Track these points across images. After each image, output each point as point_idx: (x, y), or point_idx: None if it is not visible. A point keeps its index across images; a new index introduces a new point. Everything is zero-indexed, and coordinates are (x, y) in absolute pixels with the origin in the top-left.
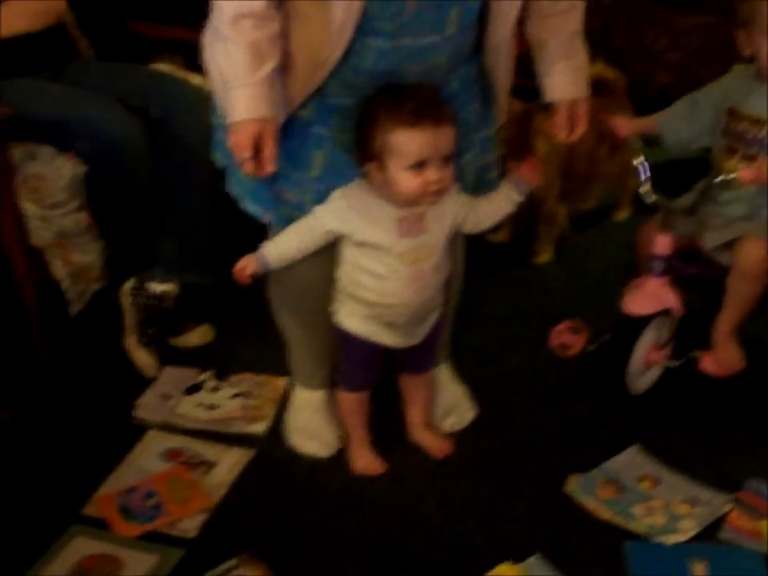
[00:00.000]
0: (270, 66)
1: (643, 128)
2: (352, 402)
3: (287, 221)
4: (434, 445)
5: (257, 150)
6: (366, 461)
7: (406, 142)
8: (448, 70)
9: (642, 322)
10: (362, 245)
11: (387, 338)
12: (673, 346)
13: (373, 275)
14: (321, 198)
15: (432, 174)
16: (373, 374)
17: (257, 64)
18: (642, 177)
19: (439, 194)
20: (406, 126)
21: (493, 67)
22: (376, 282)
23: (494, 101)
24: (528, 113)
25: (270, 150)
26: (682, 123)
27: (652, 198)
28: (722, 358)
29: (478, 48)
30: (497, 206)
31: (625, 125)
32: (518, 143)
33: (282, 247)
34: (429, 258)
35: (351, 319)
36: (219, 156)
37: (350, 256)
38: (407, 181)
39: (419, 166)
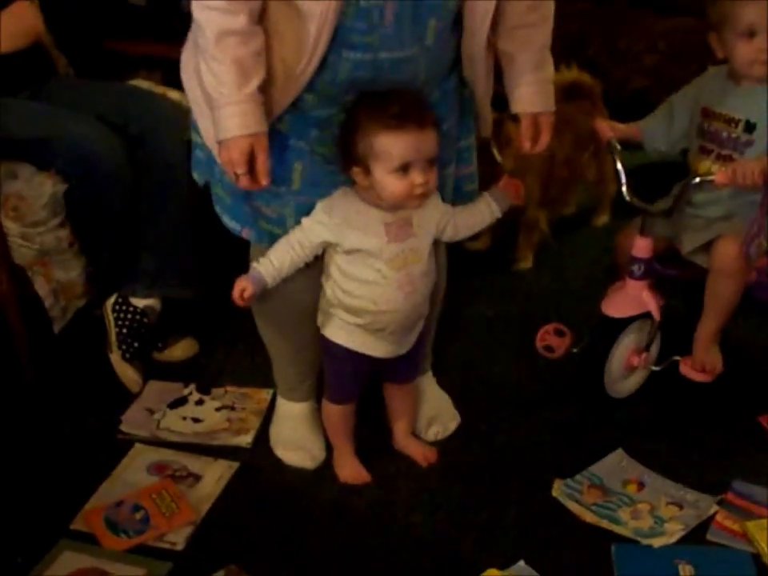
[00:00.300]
0: (256, 81)
1: (626, 134)
2: (338, 414)
3: (267, 237)
4: (420, 453)
5: (250, 165)
6: (351, 470)
7: (391, 145)
8: (426, 81)
9: (621, 325)
10: (350, 252)
11: (376, 349)
12: (657, 349)
13: (362, 282)
14: (301, 211)
15: (417, 176)
16: (359, 387)
17: (243, 80)
18: (623, 179)
19: (424, 196)
20: (390, 129)
21: (471, 78)
22: (366, 289)
23: (473, 111)
24: (498, 122)
25: (263, 164)
26: (662, 128)
27: (632, 199)
28: (701, 362)
29: (457, 59)
30: (476, 219)
31: (607, 128)
32: (489, 152)
33: (276, 264)
34: (417, 262)
35: (340, 332)
36: (198, 174)
37: (337, 266)
38: (392, 184)
39: (404, 169)
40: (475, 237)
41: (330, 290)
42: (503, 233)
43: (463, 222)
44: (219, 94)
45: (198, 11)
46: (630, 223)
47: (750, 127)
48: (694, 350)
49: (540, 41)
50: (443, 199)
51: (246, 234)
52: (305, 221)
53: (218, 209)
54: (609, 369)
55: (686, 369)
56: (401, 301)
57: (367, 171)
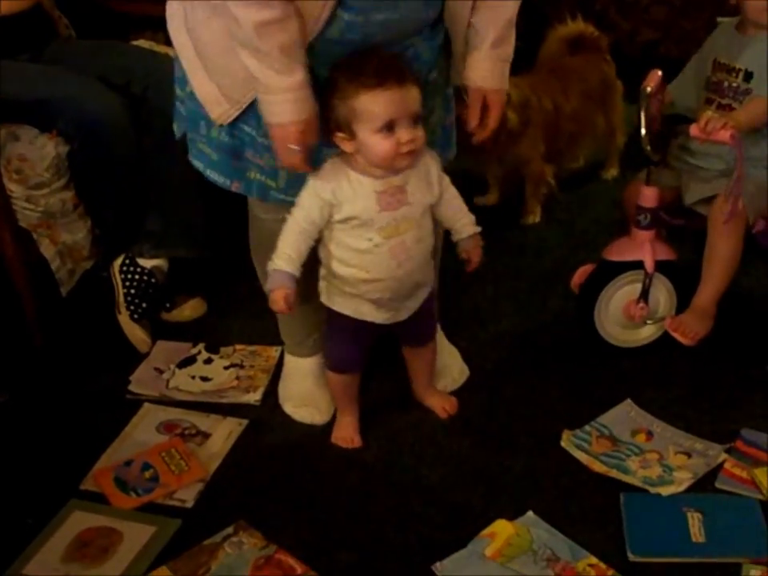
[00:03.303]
0: (302, 67)
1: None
2: (339, 382)
3: (257, 188)
4: (439, 405)
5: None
6: (344, 434)
7: (372, 104)
8: (414, 35)
9: (616, 270)
10: (342, 222)
11: (374, 315)
12: (672, 304)
13: (355, 251)
14: None
15: (403, 134)
16: (360, 355)
17: (293, 65)
18: (644, 127)
19: (412, 155)
20: (369, 88)
21: (451, 31)
22: (359, 258)
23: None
24: None
25: (310, 150)
26: (691, 86)
27: (646, 148)
28: (679, 323)
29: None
30: (456, 209)
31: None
32: None
33: (294, 254)
34: (409, 230)
35: (339, 299)
36: (176, 127)
37: (331, 235)
38: (378, 144)
39: (389, 128)
40: (484, 191)
41: (325, 258)
42: (511, 188)
43: (447, 205)
44: (271, 78)
45: (234, 8)
46: (638, 175)
47: (748, 76)
48: (686, 312)
49: (505, 17)
50: (431, 145)
51: (236, 187)
52: (302, 199)
53: (199, 164)
54: (607, 316)
55: (670, 327)
56: (394, 269)
57: (352, 135)
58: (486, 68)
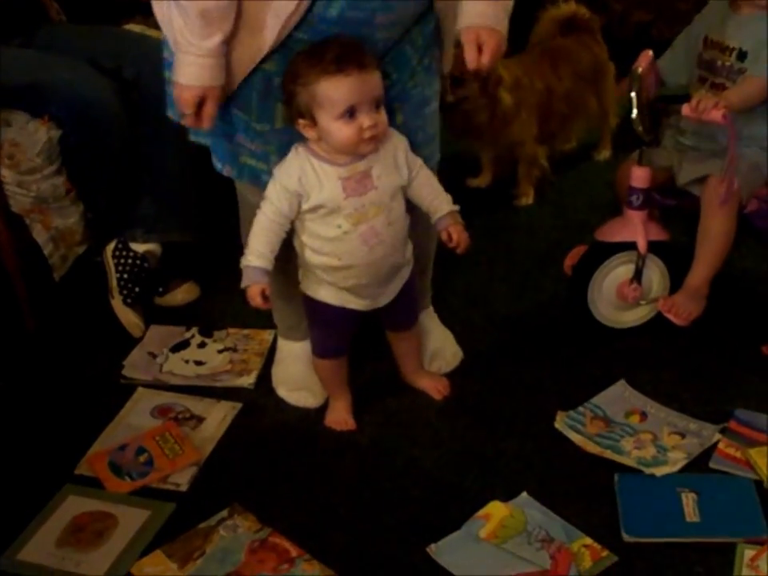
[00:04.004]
0: (219, 37)
1: None
2: (326, 368)
3: (248, 173)
4: (432, 386)
5: (199, 108)
6: (337, 417)
7: (332, 90)
8: (414, 16)
9: (608, 251)
10: (312, 210)
11: (353, 302)
12: (665, 285)
13: (325, 240)
14: (283, 149)
15: (365, 119)
16: (344, 340)
17: (206, 32)
18: (634, 107)
19: (375, 139)
20: (329, 74)
21: (442, 14)
22: (330, 246)
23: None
24: None
25: (207, 112)
26: (680, 62)
27: (637, 127)
28: (672, 303)
29: None
30: (432, 189)
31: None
32: (483, 96)
33: (265, 249)
34: (378, 214)
35: (317, 287)
36: (172, 112)
37: (302, 224)
38: (340, 130)
39: (350, 113)
40: (476, 173)
41: (299, 249)
42: (504, 169)
43: (419, 185)
44: (182, 39)
45: None
46: (630, 155)
47: (742, 55)
48: (678, 292)
49: None
50: (406, 121)
51: (228, 171)
52: (269, 192)
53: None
54: (601, 297)
55: (663, 307)
56: (366, 255)
57: (314, 122)
58: (480, 7)
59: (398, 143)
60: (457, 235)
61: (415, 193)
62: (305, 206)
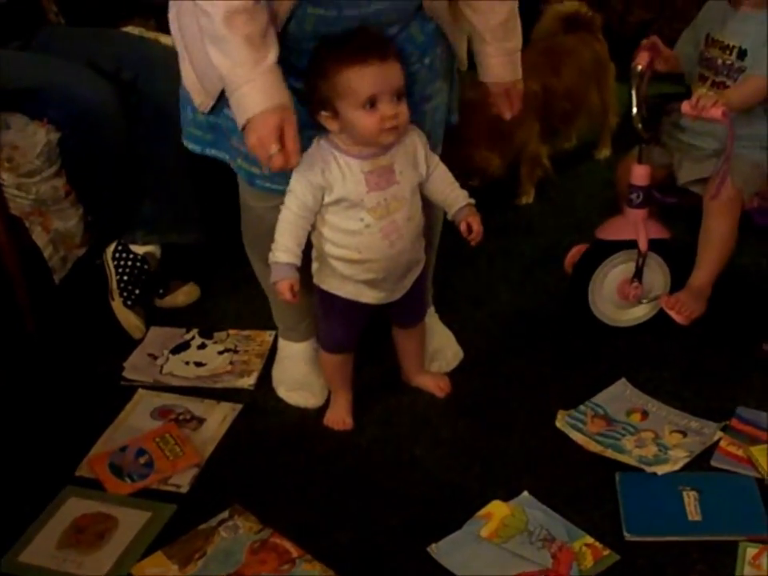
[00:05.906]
0: (272, 55)
1: (670, 60)
2: (333, 363)
3: (245, 175)
4: (434, 384)
5: (281, 143)
6: (336, 415)
7: (354, 80)
8: (393, 25)
9: (608, 249)
10: (333, 204)
11: (368, 296)
12: (666, 284)
13: (347, 233)
14: None
15: (386, 109)
16: (354, 335)
17: (258, 56)
18: (634, 104)
19: (397, 130)
20: (351, 64)
21: (437, 18)
22: (350, 239)
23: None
24: None
25: (292, 140)
26: (691, 48)
27: (637, 125)
28: (675, 302)
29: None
30: (447, 184)
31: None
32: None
33: (292, 244)
34: (400, 209)
35: (331, 281)
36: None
37: (322, 217)
38: (362, 119)
39: (372, 103)
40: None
41: (317, 241)
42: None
43: (438, 179)
44: (235, 74)
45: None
46: (630, 153)
47: (742, 54)
48: (682, 291)
49: (497, 20)
50: (425, 129)
51: (233, 164)
52: (293, 186)
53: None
54: (601, 295)
55: (666, 304)
56: (386, 249)
57: (335, 114)
58: (495, 64)
59: (418, 139)
60: (477, 225)
61: (432, 188)
62: (327, 199)
